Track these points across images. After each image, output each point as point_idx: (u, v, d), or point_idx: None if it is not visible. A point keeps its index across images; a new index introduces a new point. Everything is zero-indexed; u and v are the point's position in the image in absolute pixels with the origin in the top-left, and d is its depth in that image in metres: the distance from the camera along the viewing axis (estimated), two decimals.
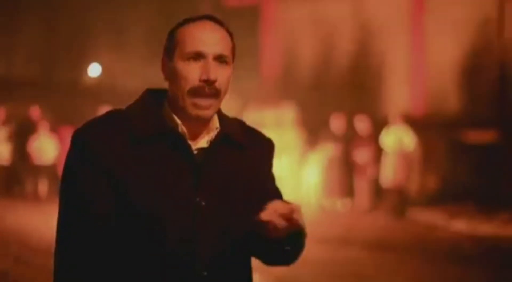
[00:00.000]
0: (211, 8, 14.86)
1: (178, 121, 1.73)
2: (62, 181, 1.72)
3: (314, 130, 12.67)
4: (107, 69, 17.96)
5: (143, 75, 15.47)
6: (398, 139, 11.62)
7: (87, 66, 17.81)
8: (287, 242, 1.73)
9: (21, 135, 12.80)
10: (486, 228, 10.04)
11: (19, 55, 17.60)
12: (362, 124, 12.26)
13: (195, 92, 1.69)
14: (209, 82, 1.68)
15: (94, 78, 17.91)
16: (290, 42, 15.23)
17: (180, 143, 1.72)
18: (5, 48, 17.18)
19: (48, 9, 17.67)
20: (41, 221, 8.65)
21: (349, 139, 12.44)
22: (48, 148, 12.76)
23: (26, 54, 17.59)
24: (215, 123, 1.79)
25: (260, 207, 1.71)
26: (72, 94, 16.54)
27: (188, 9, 13.39)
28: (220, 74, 1.71)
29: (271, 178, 1.94)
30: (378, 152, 11.86)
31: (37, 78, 17.47)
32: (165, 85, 1.86)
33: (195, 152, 1.74)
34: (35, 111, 13.31)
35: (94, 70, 17.83)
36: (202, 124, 1.76)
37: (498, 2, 12.30)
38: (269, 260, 1.88)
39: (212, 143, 1.77)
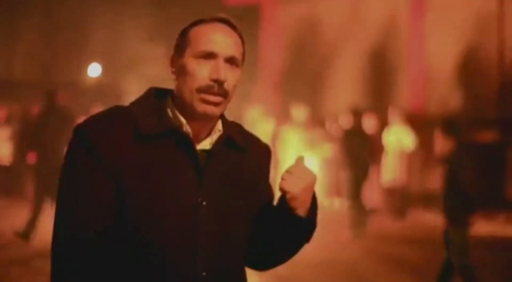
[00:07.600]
0: (211, 7, 14.84)
1: (183, 120, 1.73)
2: (63, 173, 1.68)
3: (312, 130, 12.64)
4: (107, 69, 17.95)
5: (142, 75, 15.46)
6: (398, 139, 11.60)
7: (87, 66, 17.78)
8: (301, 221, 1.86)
9: (22, 135, 12.76)
10: (486, 228, 10.03)
11: (19, 55, 17.58)
12: (369, 122, 12.15)
13: (204, 90, 1.70)
14: (219, 82, 1.69)
15: (94, 78, 17.89)
16: (291, 42, 15.21)
17: (185, 142, 1.72)
18: (5, 48, 17.16)
19: (48, 9, 17.66)
20: (40, 221, 8.59)
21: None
22: None
23: (26, 54, 17.57)
24: (218, 125, 1.80)
25: (258, 210, 1.76)
26: (71, 94, 16.51)
27: (188, 8, 13.36)
28: (230, 76, 1.72)
29: (268, 183, 1.97)
30: (380, 152, 11.82)
31: (37, 78, 17.45)
32: (165, 85, 1.86)
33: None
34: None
35: (94, 70, 17.80)
36: (206, 124, 1.76)
37: (498, 1, 12.30)
38: (270, 255, 1.90)
39: (215, 145, 1.77)
